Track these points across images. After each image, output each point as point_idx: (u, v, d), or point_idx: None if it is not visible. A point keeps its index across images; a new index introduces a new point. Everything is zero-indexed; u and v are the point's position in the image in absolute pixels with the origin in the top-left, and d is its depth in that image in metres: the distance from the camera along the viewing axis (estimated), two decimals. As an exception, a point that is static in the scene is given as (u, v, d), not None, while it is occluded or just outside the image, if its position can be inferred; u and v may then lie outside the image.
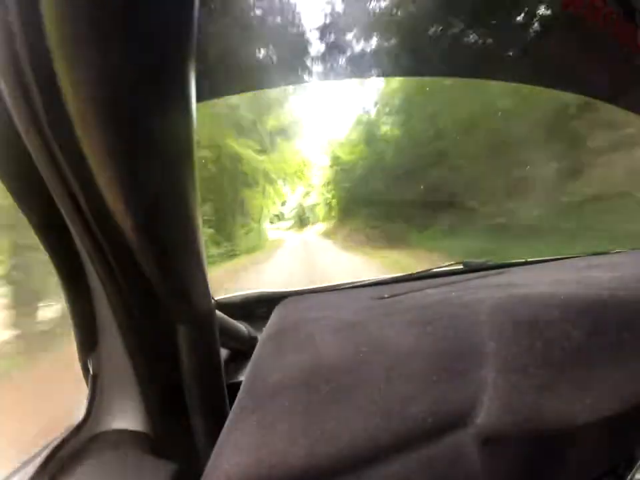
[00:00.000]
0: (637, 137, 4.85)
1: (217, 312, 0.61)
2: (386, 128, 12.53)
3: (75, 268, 0.44)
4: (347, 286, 0.93)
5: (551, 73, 1.10)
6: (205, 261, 0.46)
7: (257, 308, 0.95)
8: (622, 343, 0.41)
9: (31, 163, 0.34)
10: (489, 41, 1.11)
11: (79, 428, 0.46)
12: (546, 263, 0.95)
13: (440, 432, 0.35)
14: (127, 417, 0.50)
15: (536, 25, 1.07)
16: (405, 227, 9.45)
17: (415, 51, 1.23)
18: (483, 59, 1.16)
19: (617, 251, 0.98)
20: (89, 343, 0.47)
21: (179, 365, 0.50)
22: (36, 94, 0.27)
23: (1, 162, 0.36)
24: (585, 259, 0.90)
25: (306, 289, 0.94)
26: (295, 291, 0.93)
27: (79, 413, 0.48)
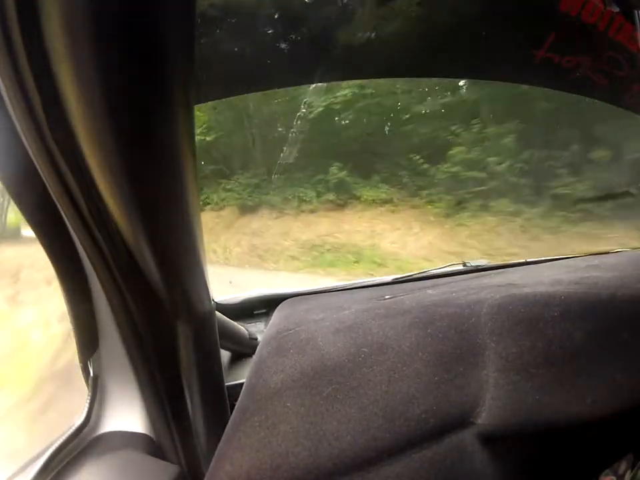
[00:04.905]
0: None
1: (217, 314, 0.61)
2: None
3: (75, 270, 0.44)
4: (348, 287, 0.93)
5: (550, 73, 1.11)
6: (205, 261, 0.46)
7: (257, 309, 0.95)
8: (622, 342, 0.41)
9: (31, 164, 0.34)
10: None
11: (79, 430, 0.46)
12: (546, 263, 0.95)
13: (442, 432, 0.35)
14: (127, 419, 0.50)
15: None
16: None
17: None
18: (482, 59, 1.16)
19: (617, 250, 0.98)
20: (89, 344, 0.47)
21: (179, 366, 0.50)
22: (35, 95, 0.27)
23: (1, 163, 0.36)
24: (585, 259, 0.90)
25: (306, 291, 0.94)
26: (296, 292, 0.93)
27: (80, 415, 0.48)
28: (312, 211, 5.16)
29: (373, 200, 4.98)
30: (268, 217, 5.22)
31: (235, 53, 1.04)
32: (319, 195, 5.18)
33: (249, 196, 5.40)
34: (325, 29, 1.06)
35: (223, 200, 5.55)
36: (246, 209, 5.39)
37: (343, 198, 5.14)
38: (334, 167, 5.07)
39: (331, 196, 5.15)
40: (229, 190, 5.54)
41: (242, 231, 5.13)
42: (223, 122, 5.51)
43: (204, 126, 5.22)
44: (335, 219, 5.04)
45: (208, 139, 5.32)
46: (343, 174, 5.07)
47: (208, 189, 5.57)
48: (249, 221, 5.26)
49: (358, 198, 5.08)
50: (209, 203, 5.53)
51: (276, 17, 1.06)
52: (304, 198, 5.18)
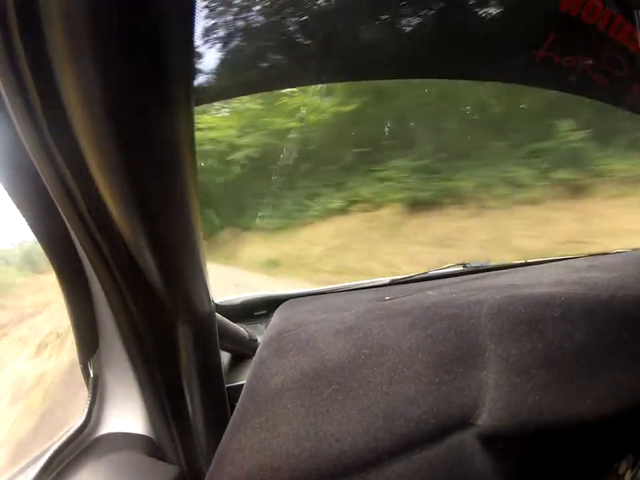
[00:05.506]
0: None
1: (217, 315, 0.61)
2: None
3: (75, 270, 0.44)
4: (348, 288, 0.93)
5: (550, 73, 1.11)
6: (205, 261, 0.46)
7: (258, 311, 0.95)
8: (622, 343, 0.41)
9: (31, 164, 0.34)
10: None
11: (79, 431, 0.46)
12: (546, 264, 0.95)
13: (442, 433, 0.35)
14: (127, 420, 0.50)
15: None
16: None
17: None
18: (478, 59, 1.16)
19: (617, 251, 0.98)
20: (89, 345, 0.47)
21: (179, 366, 0.50)
22: (35, 95, 0.27)
23: (1, 163, 0.36)
24: (585, 260, 0.90)
25: (307, 292, 0.94)
26: (296, 293, 0.93)
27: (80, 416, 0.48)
28: (532, 202, 3.11)
29: (627, 177, 2.97)
30: (455, 214, 3.24)
31: (236, 54, 1.04)
32: (539, 174, 3.11)
33: (419, 185, 3.34)
34: (327, 29, 1.06)
35: (377, 195, 3.54)
36: (416, 206, 3.39)
37: (582, 176, 3.05)
38: (563, 127, 2.95)
39: (561, 173, 3.06)
40: (385, 179, 3.49)
41: (415, 239, 3.21)
42: (363, 88, 3.22)
43: (342, 94, 3.24)
44: (575, 211, 2.98)
45: (346, 109, 3.25)
46: (578, 137, 2.95)
47: (353, 182, 3.59)
48: (424, 222, 3.30)
49: (601, 175, 3.05)
50: (356, 201, 3.59)
51: (275, 16, 1.06)
52: (514, 181, 3.13)
